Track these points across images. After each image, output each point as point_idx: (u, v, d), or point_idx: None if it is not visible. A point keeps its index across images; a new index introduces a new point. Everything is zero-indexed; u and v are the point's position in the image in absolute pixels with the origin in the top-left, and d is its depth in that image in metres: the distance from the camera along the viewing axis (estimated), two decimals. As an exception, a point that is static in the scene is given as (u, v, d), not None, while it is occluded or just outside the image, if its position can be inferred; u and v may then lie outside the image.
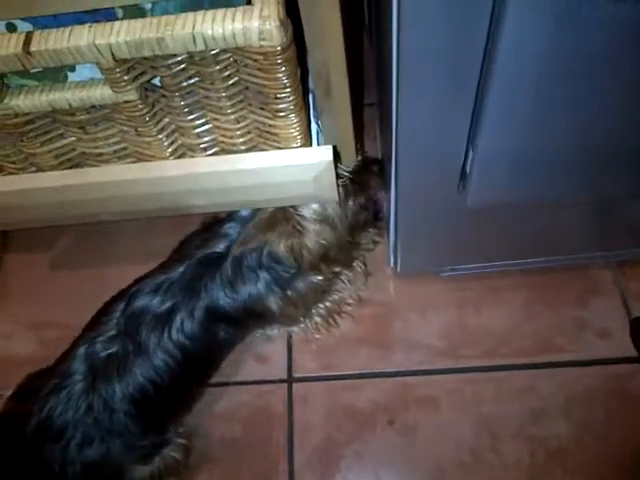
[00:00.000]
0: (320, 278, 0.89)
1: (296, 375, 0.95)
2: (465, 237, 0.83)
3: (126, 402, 0.79)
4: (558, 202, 0.75)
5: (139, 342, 0.80)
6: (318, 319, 0.97)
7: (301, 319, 0.96)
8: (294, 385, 0.95)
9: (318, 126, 0.83)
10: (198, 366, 0.87)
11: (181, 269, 0.83)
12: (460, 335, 0.95)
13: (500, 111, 0.57)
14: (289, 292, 0.87)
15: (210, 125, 0.74)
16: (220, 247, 0.84)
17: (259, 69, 0.64)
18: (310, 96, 0.81)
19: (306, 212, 0.82)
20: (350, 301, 0.99)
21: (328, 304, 0.97)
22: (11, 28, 0.63)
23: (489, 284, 0.97)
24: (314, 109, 0.81)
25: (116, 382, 0.79)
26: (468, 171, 0.66)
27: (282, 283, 0.86)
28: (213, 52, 0.63)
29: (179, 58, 0.64)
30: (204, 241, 0.85)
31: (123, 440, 0.80)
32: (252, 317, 0.87)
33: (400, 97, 0.61)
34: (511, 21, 0.48)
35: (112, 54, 0.61)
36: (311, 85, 0.78)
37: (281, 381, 0.95)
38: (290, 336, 0.99)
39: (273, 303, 0.86)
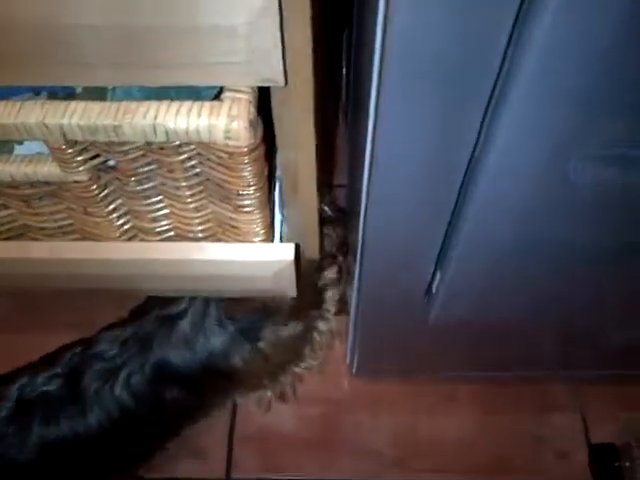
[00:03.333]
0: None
1: (235, 476, 0.88)
2: (426, 346, 0.80)
3: (36, 448, 0.74)
4: (523, 324, 0.72)
5: (78, 388, 0.75)
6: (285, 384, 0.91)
7: (265, 382, 0.89)
8: (231, 488, 0.88)
9: (282, 216, 0.79)
10: (139, 429, 0.80)
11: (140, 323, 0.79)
12: (412, 444, 0.90)
13: (473, 241, 0.55)
14: (260, 344, 0.81)
15: (167, 210, 0.69)
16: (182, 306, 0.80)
17: (224, 166, 0.60)
18: (277, 185, 0.77)
19: None
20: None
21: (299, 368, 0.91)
22: (-44, 95, 0.58)
23: (446, 390, 0.93)
24: (280, 201, 0.78)
25: (35, 423, 0.74)
26: (434, 291, 0.63)
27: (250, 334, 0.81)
28: (175, 143, 0.59)
29: (137, 144, 0.60)
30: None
31: None
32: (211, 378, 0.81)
33: (372, 187, 0.57)
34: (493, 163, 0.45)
35: (63, 135, 0.56)
36: (278, 183, 0.75)
37: (218, 482, 0.88)
38: (232, 428, 0.91)
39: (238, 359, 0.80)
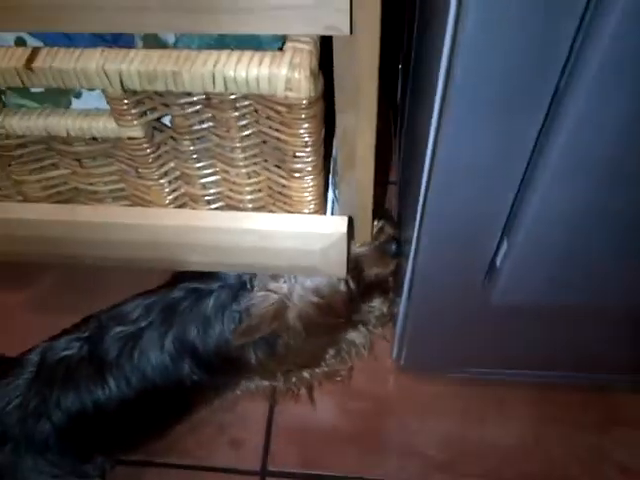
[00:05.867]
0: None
1: (271, 468, 0.84)
2: (482, 337, 0.75)
3: (60, 413, 0.73)
4: (593, 310, 0.66)
5: (98, 351, 0.75)
6: (297, 383, 0.88)
7: (279, 375, 0.86)
8: (267, 480, 0.84)
9: (335, 195, 0.76)
10: (154, 400, 0.78)
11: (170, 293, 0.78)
12: (461, 448, 0.84)
13: (547, 204, 0.50)
14: (277, 345, 0.78)
15: (218, 177, 0.67)
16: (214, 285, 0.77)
17: (281, 122, 0.58)
18: (331, 161, 0.75)
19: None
20: (339, 378, 0.89)
21: (315, 372, 0.87)
22: (20, 42, 0.58)
23: (498, 394, 0.87)
24: (333, 176, 0.75)
25: (57, 388, 0.74)
26: (498, 265, 0.58)
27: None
28: (233, 97, 0.57)
29: (195, 98, 0.58)
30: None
31: (36, 455, 0.74)
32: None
33: (433, 175, 0.55)
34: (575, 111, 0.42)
35: (121, 83, 0.55)
36: (334, 151, 0.73)
37: (253, 473, 0.84)
38: (271, 419, 0.88)
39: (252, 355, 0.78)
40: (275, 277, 0.75)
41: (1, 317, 0.98)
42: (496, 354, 0.80)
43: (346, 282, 0.76)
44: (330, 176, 0.75)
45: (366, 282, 0.80)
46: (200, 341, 0.76)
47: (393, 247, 0.78)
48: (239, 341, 0.74)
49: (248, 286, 0.77)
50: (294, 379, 0.87)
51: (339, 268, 0.73)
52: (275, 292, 0.74)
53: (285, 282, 0.75)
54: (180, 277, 0.82)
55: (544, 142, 0.47)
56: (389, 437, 0.86)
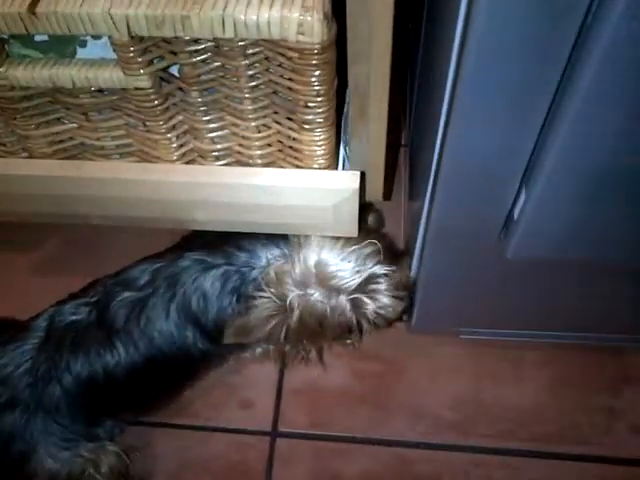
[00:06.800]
0: None
1: (282, 429, 0.84)
2: (495, 295, 0.74)
3: (70, 377, 0.74)
4: (608, 267, 0.65)
5: (106, 317, 0.74)
6: (307, 347, 0.84)
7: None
8: (278, 441, 0.83)
9: (345, 152, 0.74)
10: (162, 366, 0.77)
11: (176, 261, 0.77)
12: (474, 409, 0.84)
13: (567, 152, 0.49)
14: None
15: (227, 131, 0.66)
16: (219, 262, 0.75)
17: (292, 70, 0.56)
18: (342, 119, 0.73)
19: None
20: (349, 341, 0.87)
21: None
22: (22, -13, 0.56)
23: (512, 355, 0.86)
24: (344, 133, 0.73)
25: (66, 352, 0.74)
26: (515, 217, 0.57)
27: None
28: (242, 43, 0.55)
29: (203, 45, 0.56)
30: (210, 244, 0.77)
31: (47, 418, 0.74)
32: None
33: (451, 123, 0.53)
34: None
35: (128, 28, 0.53)
36: (345, 107, 0.71)
37: (264, 433, 0.83)
38: (281, 381, 0.87)
39: None
40: (286, 285, 0.70)
41: (7, 279, 0.98)
42: (508, 314, 0.78)
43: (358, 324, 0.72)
44: (342, 134, 0.73)
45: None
46: (202, 314, 0.75)
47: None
48: (232, 340, 0.73)
49: (254, 270, 0.75)
50: (304, 342, 0.86)
51: (350, 226, 0.71)
52: (279, 299, 0.70)
53: (291, 289, 0.70)
54: (187, 245, 0.81)
55: (567, 85, 0.46)
56: (399, 398, 0.85)
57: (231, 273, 0.75)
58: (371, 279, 0.71)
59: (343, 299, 0.70)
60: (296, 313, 0.70)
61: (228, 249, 0.76)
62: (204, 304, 0.75)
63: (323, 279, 0.69)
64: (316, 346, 0.83)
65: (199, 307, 0.75)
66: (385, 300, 0.71)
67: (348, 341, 0.87)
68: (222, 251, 0.76)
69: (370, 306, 0.71)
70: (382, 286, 0.71)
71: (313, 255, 0.70)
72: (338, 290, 0.69)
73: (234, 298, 0.75)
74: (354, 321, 0.72)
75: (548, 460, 0.79)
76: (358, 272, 0.69)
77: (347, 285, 0.69)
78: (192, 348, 0.77)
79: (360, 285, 0.70)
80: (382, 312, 0.72)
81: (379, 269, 0.71)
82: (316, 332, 0.72)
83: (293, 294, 0.70)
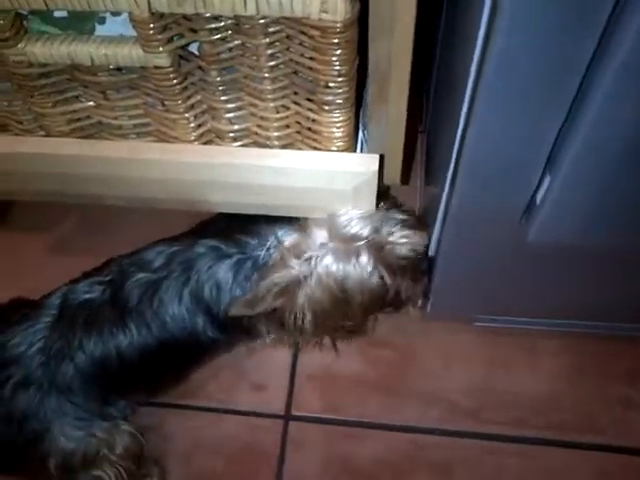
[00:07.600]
0: None
1: (295, 413, 0.84)
2: (514, 282, 0.73)
3: (84, 356, 0.74)
4: (629, 254, 0.64)
5: (120, 296, 0.74)
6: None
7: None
8: (291, 424, 0.84)
9: (364, 136, 0.74)
10: (173, 348, 0.77)
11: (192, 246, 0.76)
12: (488, 396, 0.83)
13: (594, 135, 0.48)
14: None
15: (245, 111, 0.65)
16: (232, 251, 0.74)
17: (313, 48, 0.55)
18: (362, 102, 0.72)
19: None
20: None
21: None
22: (42, -38, 0.56)
23: (527, 343, 0.86)
24: (363, 116, 0.72)
25: (80, 331, 0.73)
26: (538, 201, 0.56)
27: None
28: (263, 20, 0.54)
29: (223, 23, 0.55)
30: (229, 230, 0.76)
31: (60, 397, 0.74)
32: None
33: (474, 109, 0.52)
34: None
35: (149, 4, 0.52)
36: (364, 91, 0.70)
37: (277, 417, 0.84)
38: (294, 365, 0.87)
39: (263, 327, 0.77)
40: (299, 253, 0.69)
41: (21, 259, 0.98)
42: (524, 300, 0.78)
43: (381, 278, 0.68)
44: (360, 117, 0.72)
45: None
46: (214, 304, 0.75)
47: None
48: (239, 312, 0.71)
49: (266, 252, 0.73)
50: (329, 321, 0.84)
51: (369, 209, 0.71)
52: (293, 268, 0.69)
53: (308, 260, 0.68)
54: (203, 232, 0.80)
55: (596, 66, 0.45)
56: (413, 384, 0.85)
57: (244, 260, 0.75)
58: (387, 222, 0.68)
59: (361, 247, 0.66)
60: (314, 276, 0.66)
61: (240, 236, 0.75)
62: (217, 293, 0.75)
63: (336, 232, 0.67)
64: (349, 323, 0.77)
65: (212, 296, 0.75)
66: (406, 231, 0.67)
67: (387, 309, 0.80)
68: (236, 239, 0.75)
69: (393, 240, 0.66)
70: (399, 224, 0.68)
71: (323, 221, 0.69)
72: (353, 239, 0.66)
73: (247, 285, 0.74)
74: (381, 273, 0.67)
75: (562, 449, 0.79)
76: (370, 216, 0.67)
77: (361, 231, 0.66)
78: (202, 336, 0.76)
79: (376, 229, 0.67)
80: (407, 247, 0.67)
81: (393, 213, 0.69)
82: (340, 303, 0.69)
83: (307, 255, 0.68)
